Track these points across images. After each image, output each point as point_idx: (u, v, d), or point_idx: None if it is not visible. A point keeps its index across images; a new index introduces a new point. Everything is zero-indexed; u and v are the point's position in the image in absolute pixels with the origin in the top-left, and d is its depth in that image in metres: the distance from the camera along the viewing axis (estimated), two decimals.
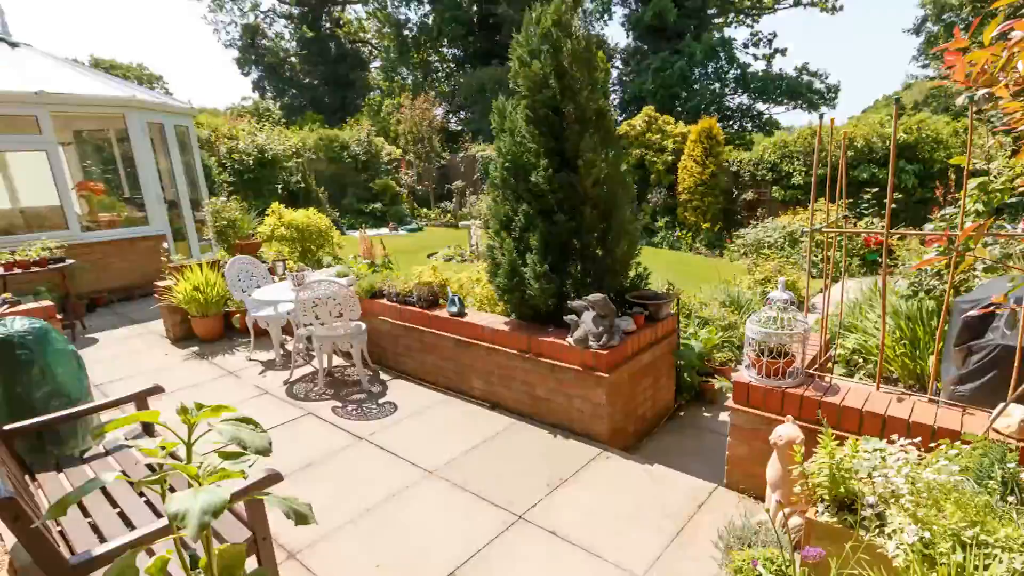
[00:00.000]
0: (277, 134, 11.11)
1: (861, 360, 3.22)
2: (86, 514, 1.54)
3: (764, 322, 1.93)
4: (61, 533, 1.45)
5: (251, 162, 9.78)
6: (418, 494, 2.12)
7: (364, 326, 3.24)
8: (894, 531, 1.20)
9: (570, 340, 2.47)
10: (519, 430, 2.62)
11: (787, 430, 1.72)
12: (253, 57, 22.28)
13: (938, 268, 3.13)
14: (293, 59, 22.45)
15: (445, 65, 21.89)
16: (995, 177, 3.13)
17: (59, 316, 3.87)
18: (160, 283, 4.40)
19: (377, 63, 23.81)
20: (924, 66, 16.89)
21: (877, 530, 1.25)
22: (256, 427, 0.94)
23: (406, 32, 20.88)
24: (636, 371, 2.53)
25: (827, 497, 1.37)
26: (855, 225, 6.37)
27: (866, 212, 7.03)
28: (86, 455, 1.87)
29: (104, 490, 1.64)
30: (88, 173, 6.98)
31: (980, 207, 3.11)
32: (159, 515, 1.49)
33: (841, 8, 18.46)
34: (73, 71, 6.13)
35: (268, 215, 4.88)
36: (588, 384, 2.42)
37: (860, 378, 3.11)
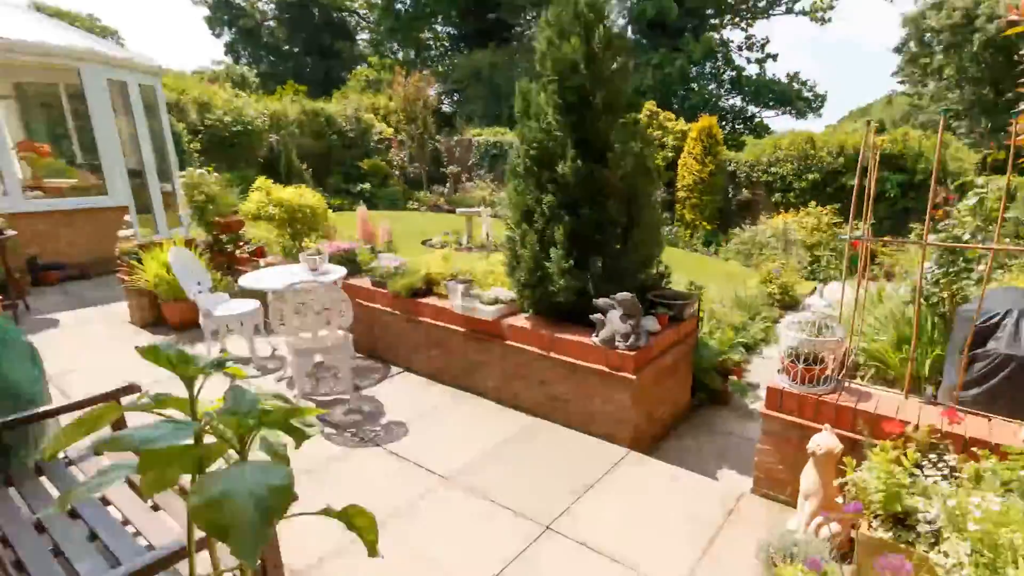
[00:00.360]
0: (255, 100, 10.28)
1: (863, 361, 3.32)
2: (43, 532, 1.25)
3: (802, 327, 1.90)
4: (17, 564, 1.18)
5: (226, 132, 9.01)
6: (434, 504, 1.99)
7: (350, 336, 2.71)
8: (950, 550, 1.18)
9: (595, 340, 2.38)
10: (537, 431, 2.52)
11: (826, 439, 1.70)
12: (226, 17, 20.48)
13: (937, 277, 3.24)
14: (271, 23, 20.80)
15: (438, 44, 20.92)
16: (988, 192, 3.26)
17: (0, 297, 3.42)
18: (122, 261, 3.95)
19: (365, 35, 22.47)
20: (903, 82, 17.71)
21: (934, 546, 1.24)
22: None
23: (398, 6, 19.73)
24: (659, 373, 2.48)
25: (881, 512, 1.35)
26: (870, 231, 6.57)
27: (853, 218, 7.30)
28: (42, 466, 1.55)
29: (70, 510, 1.35)
30: (33, 133, 6.16)
31: (970, 219, 3.23)
32: (147, 540, 1.24)
33: (830, 20, 18.93)
34: (18, 13, 5.34)
35: (253, 191, 4.45)
36: (612, 385, 2.34)
37: (865, 381, 3.21)
